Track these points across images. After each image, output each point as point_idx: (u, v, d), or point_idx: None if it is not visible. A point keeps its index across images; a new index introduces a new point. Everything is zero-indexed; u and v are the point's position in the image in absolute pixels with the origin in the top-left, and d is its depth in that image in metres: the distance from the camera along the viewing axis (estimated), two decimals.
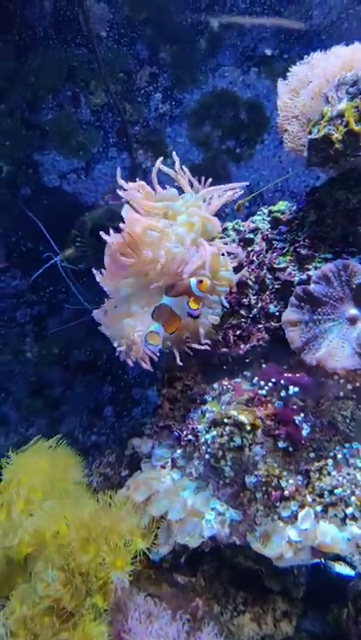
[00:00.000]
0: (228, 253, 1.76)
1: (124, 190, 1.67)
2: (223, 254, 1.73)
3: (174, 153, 1.73)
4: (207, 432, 1.54)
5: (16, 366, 3.06)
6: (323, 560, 1.62)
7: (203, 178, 1.78)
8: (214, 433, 1.51)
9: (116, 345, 1.68)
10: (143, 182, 1.70)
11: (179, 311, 1.57)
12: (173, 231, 1.64)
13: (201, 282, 1.55)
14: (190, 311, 1.56)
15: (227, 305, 1.72)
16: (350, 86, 1.54)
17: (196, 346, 1.66)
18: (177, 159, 1.74)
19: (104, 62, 2.85)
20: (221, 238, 1.87)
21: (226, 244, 1.83)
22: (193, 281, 1.55)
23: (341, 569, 1.74)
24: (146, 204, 1.68)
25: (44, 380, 3.11)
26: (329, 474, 1.47)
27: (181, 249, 1.61)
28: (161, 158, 1.72)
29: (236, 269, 1.76)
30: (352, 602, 1.55)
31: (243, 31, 2.92)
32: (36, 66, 2.81)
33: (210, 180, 1.78)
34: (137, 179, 1.73)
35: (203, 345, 1.66)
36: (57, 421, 3.11)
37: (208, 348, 1.67)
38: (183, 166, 1.75)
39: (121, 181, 1.67)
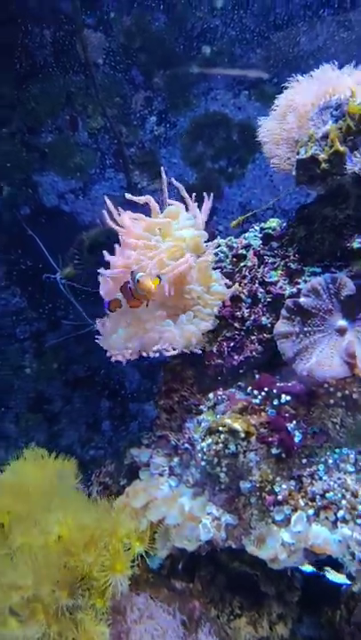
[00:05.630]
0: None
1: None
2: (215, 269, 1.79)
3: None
4: (203, 440, 1.58)
5: (16, 382, 3.10)
6: (318, 570, 1.66)
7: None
8: (210, 441, 1.54)
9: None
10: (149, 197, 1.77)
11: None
12: (165, 247, 1.72)
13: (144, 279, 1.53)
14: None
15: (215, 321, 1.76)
16: (335, 109, 1.63)
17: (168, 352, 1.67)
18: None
19: (101, 88, 2.97)
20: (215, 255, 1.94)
21: (220, 260, 1.89)
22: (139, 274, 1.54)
23: (336, 577, 1.77)
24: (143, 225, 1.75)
25: (44, 395, 3.16)
26: (320, 478, 1.51)
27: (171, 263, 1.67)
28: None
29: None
30: (345, 604, 1.59)
31: (234, 57, 3.04)
32: (37, 92, 2.92)
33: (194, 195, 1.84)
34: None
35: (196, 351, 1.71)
36: (56, 436, 3.14)
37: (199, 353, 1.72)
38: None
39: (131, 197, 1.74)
